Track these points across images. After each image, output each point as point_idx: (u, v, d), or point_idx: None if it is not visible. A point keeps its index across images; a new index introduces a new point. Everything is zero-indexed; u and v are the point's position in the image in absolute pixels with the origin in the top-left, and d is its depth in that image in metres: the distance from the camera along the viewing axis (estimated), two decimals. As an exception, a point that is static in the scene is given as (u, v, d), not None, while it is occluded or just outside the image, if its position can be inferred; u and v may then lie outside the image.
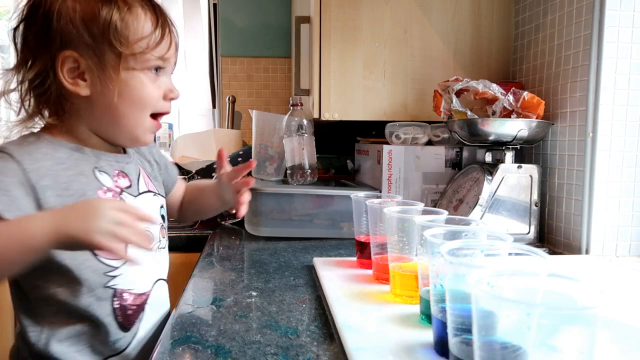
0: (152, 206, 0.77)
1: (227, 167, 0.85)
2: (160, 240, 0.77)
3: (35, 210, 0.60)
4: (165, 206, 0.82)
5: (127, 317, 0.69)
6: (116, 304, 0.67)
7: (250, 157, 1.45)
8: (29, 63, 0.64)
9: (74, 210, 0.56)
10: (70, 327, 0.66)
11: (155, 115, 0.71)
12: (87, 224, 0.54)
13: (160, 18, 0.67)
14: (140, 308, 0.71)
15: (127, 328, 0.69)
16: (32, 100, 0.67)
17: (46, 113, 0.68)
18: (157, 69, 0.68)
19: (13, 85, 0.66)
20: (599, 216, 0.98)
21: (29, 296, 0.66)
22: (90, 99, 0.66)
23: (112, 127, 0.69)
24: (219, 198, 0.87)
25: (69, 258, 0.63)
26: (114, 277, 0.67)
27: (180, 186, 0.93)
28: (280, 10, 2.05)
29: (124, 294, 0.68)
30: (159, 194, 0.81)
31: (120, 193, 0.70)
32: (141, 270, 0.70)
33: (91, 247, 0.57)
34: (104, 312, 0.67)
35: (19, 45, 0.66)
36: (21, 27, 0.65)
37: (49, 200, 0.61)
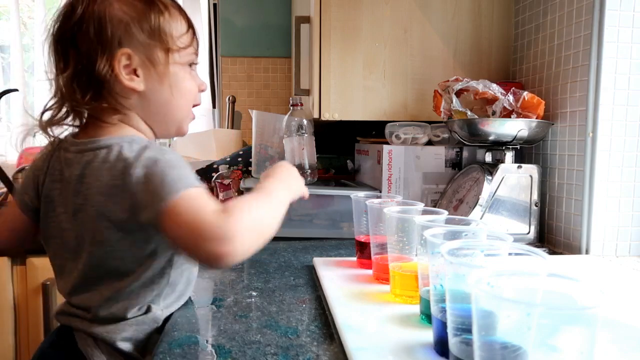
0: None
1: None
2: None
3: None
4: None
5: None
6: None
7: (250, 157, 1.45)
8: (85, 64, 0.67)
9: (288, 177, 0.75)
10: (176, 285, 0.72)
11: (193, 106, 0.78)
12: (298, 187, 0.77)
13: (189, 19, 0.75)
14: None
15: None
16: (83, 99, 0.68)
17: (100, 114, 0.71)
18: (191, 64, 0.75)
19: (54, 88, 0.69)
20: (599, 216, 0.98)
21: (162, 260, 0.70)
22: (145, 94, 0.70)
23: (165, 119, 0.74)
24: None
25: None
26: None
27: None
28: (280, 10, 2.05)
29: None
30: None
31: None
32: None
33: (295, 197, 0.75)
34: (195, 272, 0.77)
35: (63, 49, 0.68)
36: (66, 32, 0.68)
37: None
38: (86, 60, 0.67)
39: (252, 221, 0.60)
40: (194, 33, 0.74)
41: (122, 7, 0.68)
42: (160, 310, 0.68)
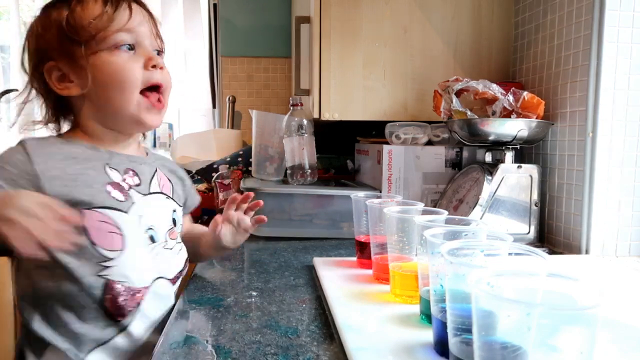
0: (162, 207, 0.78)
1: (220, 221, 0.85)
2: (166, 241, 0.77)
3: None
4: (179, 212, 0.83)
5: (118, 308, 0.69)
6: (107, 294, 0.68)
7: (250, 157, 1.45)
8: (29, 83, 0.72)
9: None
10: (56, 310, 0.68)
11: (147, 91, 0.71)
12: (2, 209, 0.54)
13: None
14: (135, 302, 0.70)
15: (116, 319, 0.69)
16: (48, 115, 0.74)
17: (58, 122, 0.76)
18: (130, 46, 0.70)
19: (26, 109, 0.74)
20: (599, 216, 0.98)
21: (29, 276, 0.69)
22: (84, 96, 0.71)
23: (109, 113, 0.72)
24: (216, 249, 0.86)
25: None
26: (107, 267, 0.68)
27: (187, 219, 0.92)
28: (280, 10, 2.05)
29: (115, 285, 0.68)
30: (172, 198, 0.81)
31: (129, 189, 0.72)
32: (137, 265, 0.71)
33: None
34: (93, 299, 0.67)
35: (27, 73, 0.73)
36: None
37: (55, 189, 0.65)
38: (30, 80, 0.71)
39: None
40: (116, 9, 0.68)
41: (38, 21, 0.70)
42: None
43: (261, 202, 0.84)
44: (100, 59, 0.68)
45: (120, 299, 0.68)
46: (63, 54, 0.68)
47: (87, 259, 0.66)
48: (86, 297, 0.67)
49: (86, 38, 0.67)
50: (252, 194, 0.85)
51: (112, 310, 0.68)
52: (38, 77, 0.70)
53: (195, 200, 0.92)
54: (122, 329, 0.70)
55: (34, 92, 0.73)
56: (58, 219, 0.56)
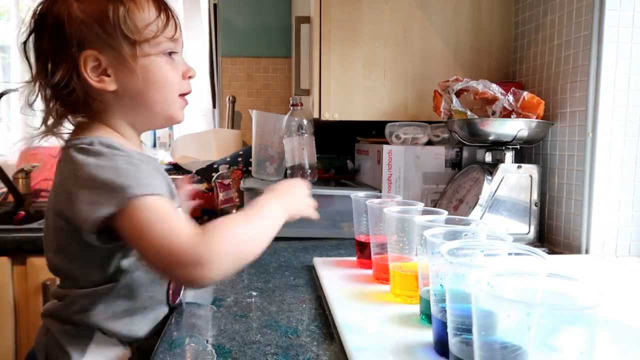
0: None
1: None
2: None
3: (168, 192, 0.65)
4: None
5: (174, 299, 0.72)
6: (171, 285, 0.72)
7: (250, 157, 1.45)
8: (50, 70, 0.67)
9: (289, 194, 0.73)
10: (132, 300, 0.69)
11: (180, 96, 0.75)
12: (300, 204, 0.74)
13: (162, 4, 0.70)
14: (178, 294, 0.74)
15: (170, 304, 0.72)
16: (58, 106, 0.69)
17: (77, 116, 0.71)
18: (170, 53, 0.71)
19: (34, 95, 0.69)
20: (599, 216, 0.98)
21: (113, 264, 0.68)
22: (118, 93, 0.68)
23: (146, 113, 0.72)
24: None
25: None
26: None
27: None
28: (280, 10, 2.05)
29: None
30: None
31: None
32: None
33: (296, 217, 0.73)
34: (162, 288, 0.71)
35: (33, 57, 0.69)
36: (31, 38, 0.68)
37: (171, 185, 0.70)
38: (52, 67, 0.66)
39: (232, 243, 0.59)
40: (168, 19, 0.70)
41: (80, 6, 0.66)
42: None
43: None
44: (151, 62, 0.68)
45: (176, 293, 0.73)
46: (109, 47, 0.66)
47: None
48: (157, 287, 0.70)
49: (142, 39, 0.67)
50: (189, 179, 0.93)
51: (172, 298, 0.72)
52: (68, 64, 0.66)
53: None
54: (170, 313, 0.73)
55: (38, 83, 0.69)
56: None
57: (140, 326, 0.69)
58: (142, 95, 0.69)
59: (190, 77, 0.75)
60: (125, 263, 0.67)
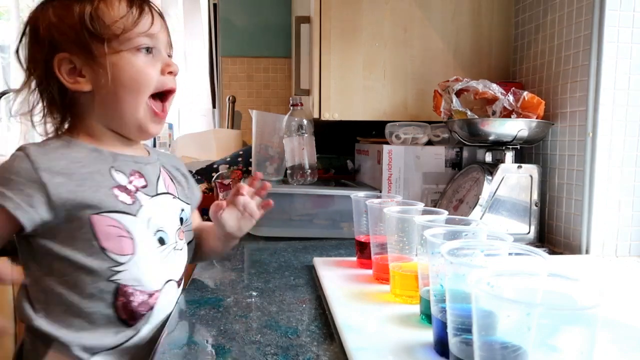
0: (169, 208, 0.77)
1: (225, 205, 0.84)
2: (176, 242, 0.76)
3: (46, 205, 0.64)
4: (187, 211, 0.82)
5: (131, 313, 0.69)
6: (119, 299, 0.68)
7: (250, 157, 1.45)
8: (31, 74, 0.70)
9: None
10: (72, 314, 0.67)
11: (158, 97, 0.73)
12: None
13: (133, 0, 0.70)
14: (148, 306, 0.70)
15: (129, 323, 0.69)
16: (46, 110, 0.72)
17: (59, 118, 0.73)
18: (148, 49, 0.70)
19: (26, 103, 0.71)
20: (599, 216, 0.98)
21: (38, 281, 0.69)
22: (93, 93, 0.69)
23: (116, 115, 0.71)
24: (219, 239, 0.85)
25: (77, 250, 0.66)
26: (118, 272, 0.67)
27: (195, 216, 0.91)
28: (280, 10, 2.06)
29: (128, 289, 0.68)
30: (179, 198, 0.81)
31: (136, 192, 0.71)
32: (149, 269, 0.70)
33: None
34: (105, 304, 0.67)
35: (23, 64, 0.71)
36: (21, 46, 0.70)
37: (62, 195, 0.64)
38: (32, 73, 0.69)
39: None
40: (141, 13, 0.69)
41: (54, 11, 0.67)
42: None
43: (268, 184, 0.84)
44: (121, 59, 0.68)
45: (134, 303, 0.68)
46: (80, 47, 0.67)
47: (98, 264, 0.66)
48: (97, 301, 0.67)
49: (110, 36, 0.67)
50: (260, 175, 0.86)
51: (125, 315, 0.68)
52: (44, 67, 0.68)
53: (197, 196, 0.91)
54: (134, 333, 0.70)
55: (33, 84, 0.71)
56: None
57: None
58: (111, 94, 0.69)
59: (170, 72, 0.72)
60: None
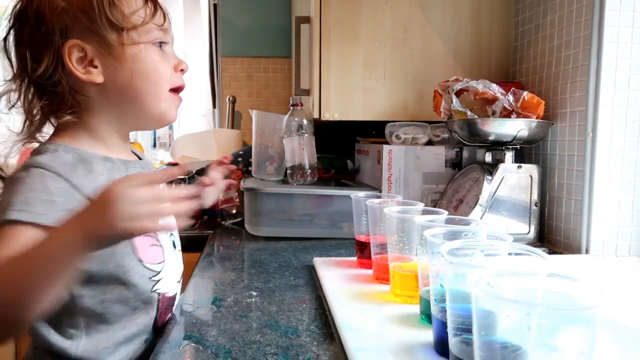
0: None
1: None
2: (179, 243, 0.77)
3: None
4: None
5: (163, 320, 0.69)
6: (160, 308, 0.68)
7: (250, 157, 1.45)
8: (33, 64, 0.62)
9: (93, 206, 0.50)
10: (111, 330, 0.64)
11: (172, 91, 0.70)
12: (109, 216, 0.48)
13: None
14: (170, 310, 0.71)
15: (158, 330, 0.68)
16: (39, 105, 0.65)
17: (56, 116, 0.66)
18: (161, 43, 0.67)
19: (15, 95, 0.64)
20: (599, 216, 0.98)
21: (75, 303, 0.62)
22: (105, 86, 0.64)
23: (134, 109, 0.67)
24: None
25: (115, 266, 0.62)
26: (158, 281, 0.67)
27: None
28: (280, 10, 2.05)
29: (163, 297, 0.68)
30: None
31: None
32: (172, 274, 0.70)
33: (124, 238, 0.52)
34: (148, 316, 0.67)
35: (13, 53, 0.64)
36: (12, 34, 0.64)
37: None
38: (33, 60, 0.62)
39: None
40: (155, 7, 0.66)
41: None
42: None
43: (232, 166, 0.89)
44: (140, 51, 0.64)
45: (167, 310, 0.69)
46: (95, 35, 0.62)
47: (139, 277, 0.64)
48: (142, 314, 0.65)
49: (130, 26, 0.63)
50: (228, 159, 0.89)
51: (159, 323, 0.68)
52: (52, 57, 0.61)
53: None
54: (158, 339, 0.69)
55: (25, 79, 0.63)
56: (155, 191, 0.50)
57: None
58: (130, 87, 0.65)
59: (182, 70, 0.70)
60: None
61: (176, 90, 0.71)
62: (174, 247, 0.74)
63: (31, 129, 0.65)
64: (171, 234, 0.73)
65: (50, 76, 0.62)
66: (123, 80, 0.64)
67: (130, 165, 0.69)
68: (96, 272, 0.61)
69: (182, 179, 1.54)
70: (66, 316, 0.62)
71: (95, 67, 0.63)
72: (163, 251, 0.68)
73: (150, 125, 0.74)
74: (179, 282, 0.74)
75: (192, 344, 0.58)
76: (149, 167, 0.79)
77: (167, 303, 0.70)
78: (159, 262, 0.67)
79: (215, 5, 2.15)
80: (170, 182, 1.40)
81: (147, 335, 0.68)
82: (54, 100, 0.64)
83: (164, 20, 0.67)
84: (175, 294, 0.72)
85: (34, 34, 0.62)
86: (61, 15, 0.61)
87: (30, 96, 0.64)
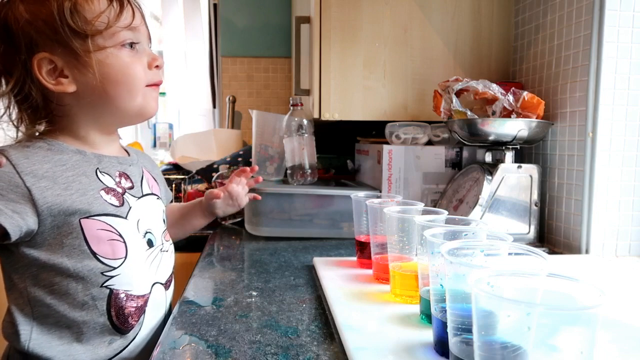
0: (155, 209, 0.77)
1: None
2: (163, 244, 0.76)
3: (32, 211, 0.61)
4: (165, 212, 0.83)
5: (125, 320, 0.68)
6: (113, 305, 0.67)
7: (250, 157, 1.45)
8: (5, 78, 0.65)
9: None
10: (62, 326, 0.65)
11: (149, 86, 0.71)
12: None
13: None
14: (140, 311, 0.69)
15: (123, 331, 0.68)
16: (22, 115, 0.67)
17: (37, 122, 0.68)
18: (132, 44, 0.67)
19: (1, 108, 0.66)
20: (599, 216, 0.98)
21: (23, 294, 0.65)
22: (78, 93, 0.65)
23: (110, 111, 0.68)
24: (205, 217, 0.97)
25: (66, 257, 0.63)
26: (112, 277, 0.66)
27: (172, 204, 0.99)
28: (280, 10, 2.06)
29: (120, 294, 0.67)
30: (161, 198, 0.81)
31: (123, 194, 0.70)
32: (139, 272, 0.69)
33: None
34: (98, 311, 0.66)
35: None
36: None
37: (48, 200, 0.62)
38: (4, 75, 0.64)
39: None
40: (122, 7, 0.65)
41: (26, 7, 0.62)
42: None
43: (260, 178, 1.02)
44: (107, 56, 0.64)
45: (127, 309, 0.67)
46: (60, 46, 0.62)
47: (90, 270, 0.64)
48: (91, 310, 0.65)
49: (93, 32, 0.63)
50: (256, 168, 1.00)
51: (119, 322, 0.67)
52: (22, 70, 0.63)
53: (170, 196, 0.95)
54: (129, 342, 0.69)
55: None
56: None
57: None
58: (103, 92, 0.66)
59: (157, 66, 0.70)
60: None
61: (152, 86, 0.71)
62: (150, 246, 0.72)
63: (24, 137, 0.68)
64: (147, 232, 0.72)
65: (20, 89, 0.64)
66: (95, 86, 0.65)
67: (105, 159, 0.70)
68: (45, 261, 0.63)
69: (182, 179, 1.54)
70: (17, 303, 0.65)
71: (66, 76, 0.64)
72: (126, 247, 0.67)
73: (133, 121, 0.74)
74: (155, 284, 0.73)
75: (192, 344, 0.58)
76: (141, 163, 0.79)
77: (130, 303, 0.68)
78: (118, 257, 0.66)
79: (215, 5, 2.16)
80: (171, 182, 1.42)
81: (109, 336, 0.67)
82: (29, 109, 0.66)
83: (132, 18, 0.67)
84: (147, 295, 0.70)
85: (4, 48, 0.63)
86: (26, 28, 0.62)
87: (11, 108, 0.66)
